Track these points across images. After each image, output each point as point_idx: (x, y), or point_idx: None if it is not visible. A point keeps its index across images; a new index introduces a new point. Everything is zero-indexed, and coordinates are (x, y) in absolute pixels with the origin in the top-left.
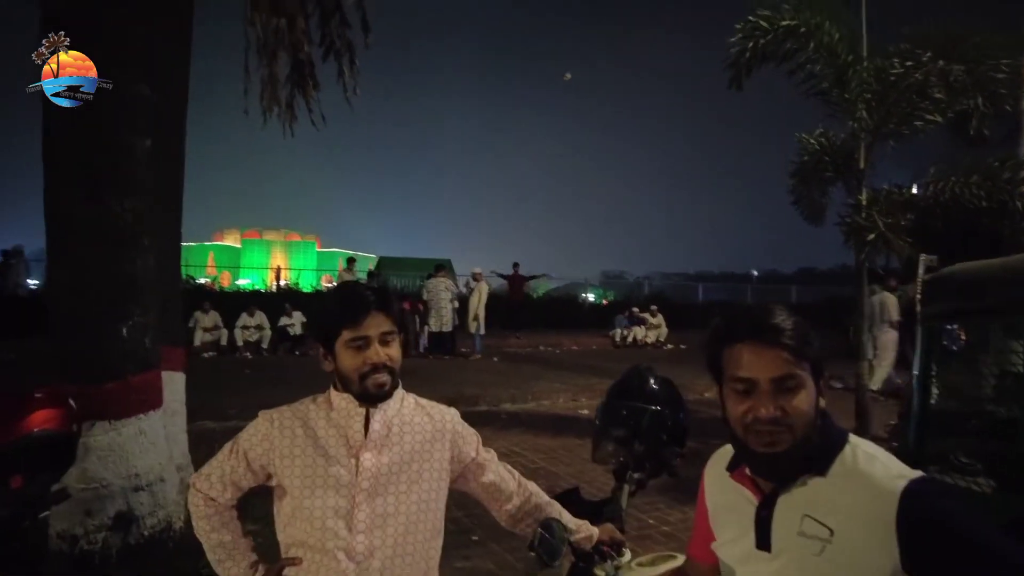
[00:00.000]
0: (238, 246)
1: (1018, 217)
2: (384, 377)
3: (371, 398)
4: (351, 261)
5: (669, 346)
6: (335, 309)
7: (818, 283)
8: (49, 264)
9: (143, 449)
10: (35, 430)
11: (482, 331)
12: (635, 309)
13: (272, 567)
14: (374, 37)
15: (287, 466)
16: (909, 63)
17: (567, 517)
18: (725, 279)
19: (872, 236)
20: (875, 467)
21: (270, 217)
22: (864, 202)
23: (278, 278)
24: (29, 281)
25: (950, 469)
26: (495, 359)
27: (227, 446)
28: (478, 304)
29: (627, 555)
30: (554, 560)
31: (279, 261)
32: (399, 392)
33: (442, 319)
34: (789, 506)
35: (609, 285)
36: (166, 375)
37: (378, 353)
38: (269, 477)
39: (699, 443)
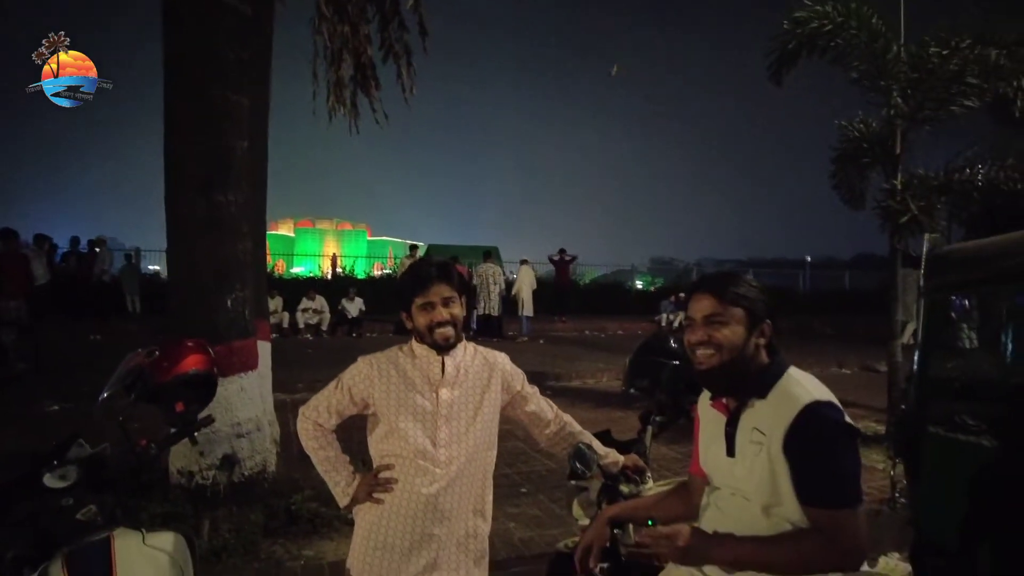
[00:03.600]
0: (291, 235)
1: None
2: (448, 331)
3: (440, 347)
4: (414, 248)
5: None
6: (409, 281)
7: (876, 268)
8: (169, 248)
9: (243, 403)
10: (191, 370)
11: (529, 313)
12: (682, 295)
13: (369, 473)
14: (431, 41)
15: (383, 397)
16: (946, 51)
17: (597, 444)
18: (778, 265)
19: (905, 219)
20: (798, 389)
21: (322, 208)
22: (898, 186)
23: (334, 265)
24: (110, 269)
25: (955, 429)
26: (541, 341)
27: (331, 384)
28: (523, 287)
29: (649, 482)
30: (589, 470)
31: (331, 249)
32: (463, 343)
33: (491, 303)
34: (745, 422)
35: (658, 271)
36: (259, 344)
37: (441, 313)
38: (367, 407)
39: None
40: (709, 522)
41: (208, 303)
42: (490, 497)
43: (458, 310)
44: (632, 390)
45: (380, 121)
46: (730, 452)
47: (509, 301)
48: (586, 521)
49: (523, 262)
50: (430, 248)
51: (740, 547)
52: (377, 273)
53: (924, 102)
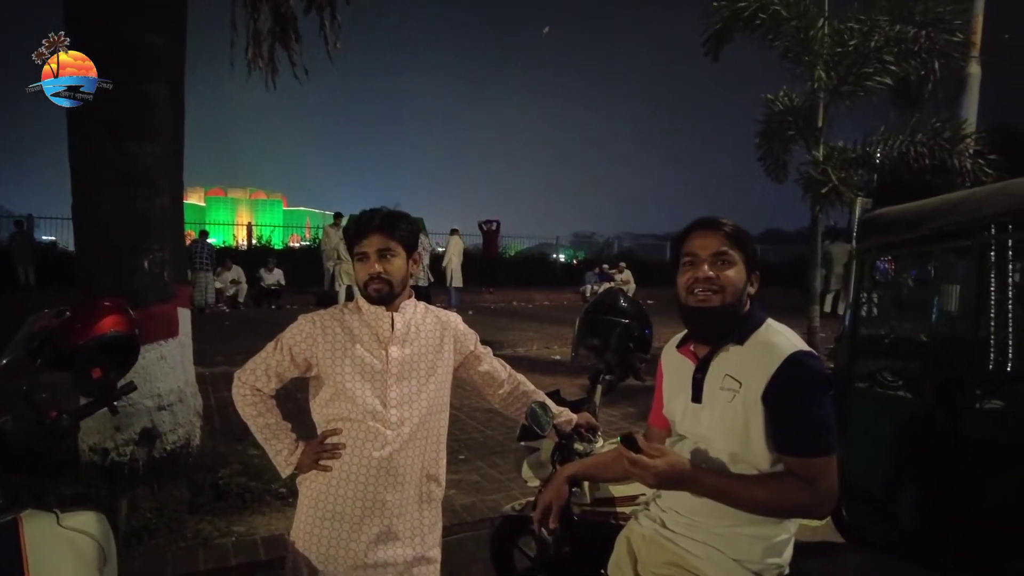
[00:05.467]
0: (202, 204)
1: (955, 174)
2: (380, 285)
3: (372, 301)
4: (338, 216)
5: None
6: (351, 228)
7: (785, 243)
8: (76, 203)
9: (164, 373)
10: (108, 331)
11: (458, 284)
12: (605, 266)
13: (314, 440)
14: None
15: (328, 357)
16: (864, 27)
17: (551, 403)
18: None
19: (826, 189)
20: (779, 339)
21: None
22: (820, 158)
23: (249, 235)
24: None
25: (877, 385)
26: (470, 312)
27: (269, 345)
28: (452, 258)
29: (600, 440)
30: (543, 431)
31: (245, 219)
32: (413, 301)
33: (418, 274)
34: (716, 368)
35: (580, 245)
36: (179, 310)
37: (373, 266)
38: (309, 368)
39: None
40: None
41: (123, 265)
42: (443, 460)
43: (394, 266)
44: (581, 350)
45: (300, 77)
46: (696, 398)
47: (438, 272)
48: (537, 482)
49: (453, 232)
50: (351, 217)
51: (719, 479)
52: (296, 245)
53: (845, 76)
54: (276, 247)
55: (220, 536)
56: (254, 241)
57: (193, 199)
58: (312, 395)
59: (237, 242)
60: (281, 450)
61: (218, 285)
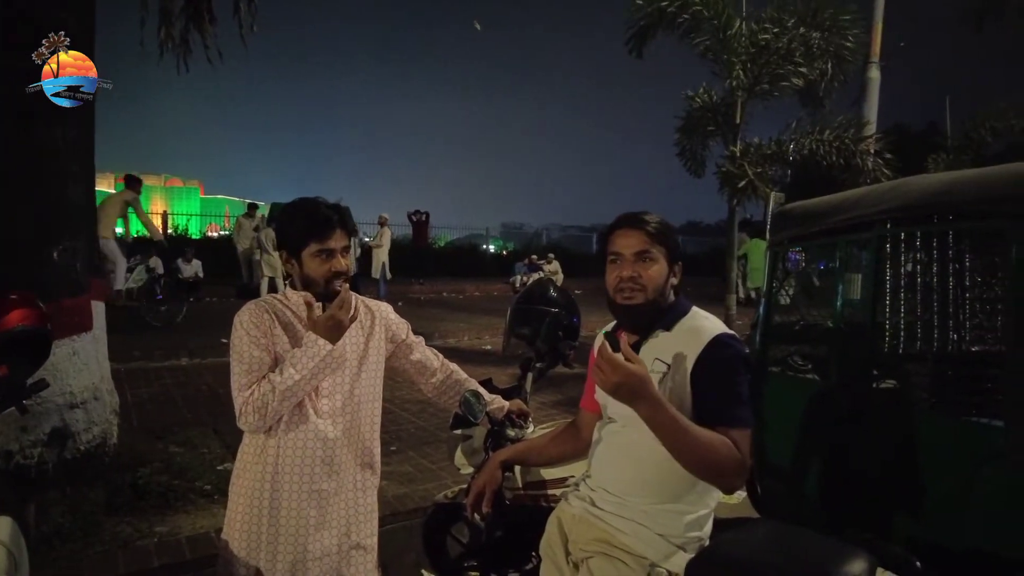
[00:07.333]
0: (113, 191)
1: (858, 172)
2: (343, 282)
3: (331, 299)
4: (252, 207)
5: None
6: (303, 224)
7: (703, 235)
8: None
9: (77, 369)
10: (16, 326)
11: (387, 275)
12: (533, 257)
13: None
14: None
15: (283, 346)
16: (776, 29)
17: (483, 391)
18: None
19: (743, 183)
20: (705, 323)
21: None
22: (738, 153)
23: (165, 224)
24: None
25: (788, 368)
26: (400, 304)
27: (240, 352)
28: (382, 249)
29: (531, 426)
30: (476, 418)
31: (160, 207)
32: None
33: None
34: (646, 353)
35: (509, 236)
36: (93, 303)
37: (340, 263)
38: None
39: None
40: (602, 454)
41: (31, 254)
42: (378, 450)
43: (350, 261)
44: (512, 339)
45: (214, 60)
46: None
47: (365, 263)
48: (470, 470)
49: (382, 223)
50: (273, 206)
51: (669, 412)
52: (214, 234)
53: (761, 75)
54: (193, 236)
55: (141, 538)
56: (170, 231)
57: (103, 186)
58: None
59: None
60: (308, 350)
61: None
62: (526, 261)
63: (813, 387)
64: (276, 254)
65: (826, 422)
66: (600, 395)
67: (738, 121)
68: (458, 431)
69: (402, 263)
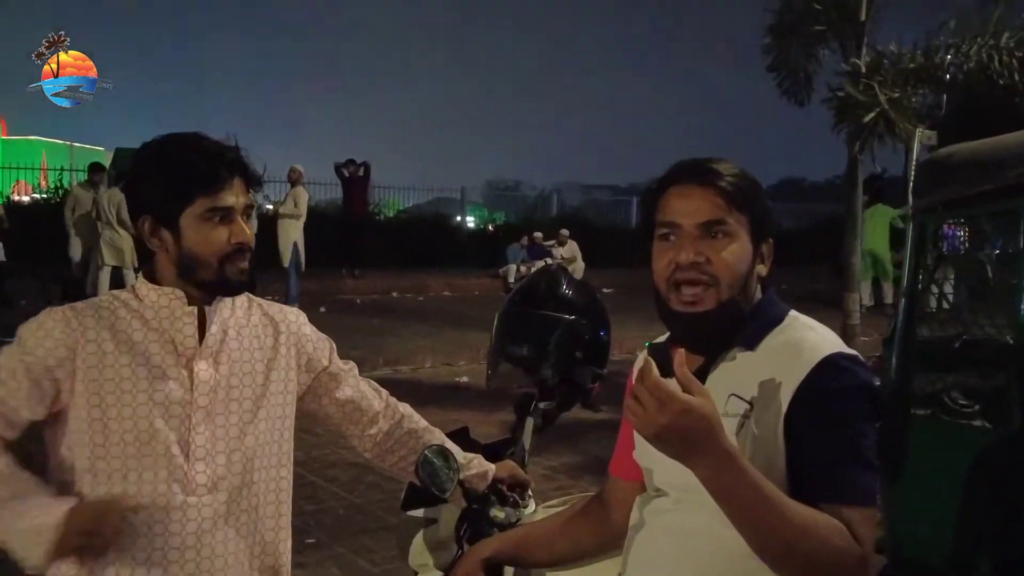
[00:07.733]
0: None
1: None
2: (247, 263)
3: (230, 288)
4: (96, 170)
5: None
6: (183, 170)
7: (808, 200)
8: None
9: None
10: None
11: (300, 265)
12: (537, 235)
13: (90, 503)
14: None
15: (95, 378)
16: None
17: (455, 448)
18: None
19: (871, 116)
20: (807, 337)
21: None
22: (863, 68)
23: None
24: None
25: (944, 412)
26: (322, 309)
27: None
28: (293, 222)
29: (531, 505)
30: (443, 491)
31: None
32: None
33: None
34: (716, 384)
35: (497, 202)
36: None
37: (243, 229)
38: (58, 399)
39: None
40: (645, 547)
41: None
42: (286, 543)
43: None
44: (503, 364)
45: None
46: None
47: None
48: (436, 573)
49: (293, 181)
50: (118, 153)
51: (749, 478)
52: (24, 198)
53: None
54: None
55: None
56: None
57: None
58: (57, 444)
59: None
60: (36, 516)
61: None
62: (525, 241)
63: (985, 439)
64: (124, 231)
65: (1007, 494)
66: (641, 453)
67: (863, 18)
68: (415, 512)
69: (326, 244)
